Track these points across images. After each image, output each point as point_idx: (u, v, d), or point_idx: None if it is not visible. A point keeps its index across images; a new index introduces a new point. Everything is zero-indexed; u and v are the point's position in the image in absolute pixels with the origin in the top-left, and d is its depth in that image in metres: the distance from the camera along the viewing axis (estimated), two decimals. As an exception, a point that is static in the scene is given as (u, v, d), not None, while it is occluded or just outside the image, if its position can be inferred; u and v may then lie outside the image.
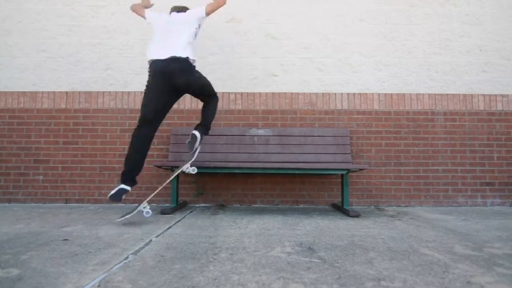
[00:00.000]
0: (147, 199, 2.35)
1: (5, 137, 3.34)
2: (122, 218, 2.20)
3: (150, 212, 2.27)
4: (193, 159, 2.49)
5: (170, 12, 2.64)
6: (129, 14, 3.45)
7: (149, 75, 2.39)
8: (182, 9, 2.65)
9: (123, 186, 2.27)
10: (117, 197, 2.21)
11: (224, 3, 2.59)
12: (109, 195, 2.21)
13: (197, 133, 2.50)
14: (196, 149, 2.51)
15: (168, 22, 2.53)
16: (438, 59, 3.45)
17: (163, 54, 2.36)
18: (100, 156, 3.32)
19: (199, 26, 2.59)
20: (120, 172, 3.25)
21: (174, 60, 2.35)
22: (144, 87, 2.46)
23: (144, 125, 2.34)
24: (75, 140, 3.35)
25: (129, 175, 2.30)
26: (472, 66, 3.44)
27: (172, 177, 2.54)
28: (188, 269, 1.27)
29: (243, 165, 2.70)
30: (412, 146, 3.35)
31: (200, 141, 2.51)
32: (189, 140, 2.52)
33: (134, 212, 2.24)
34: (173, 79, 2.35)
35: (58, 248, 1.57)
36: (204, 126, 2.57)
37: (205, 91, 2.54)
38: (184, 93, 2.51)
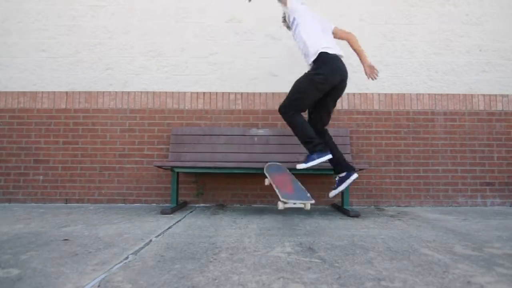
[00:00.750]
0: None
1: (5, 137, 3.34)
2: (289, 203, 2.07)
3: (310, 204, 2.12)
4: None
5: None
6: (129, 14, 3.46)
7: (324, 68, 2.26)
8: None
9: (330, 155, 2.27)
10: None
11: (354, 38, 2.55)
12: (310, 164, 2.23)
13: (354, 175, 2.40)
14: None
15: (319, 19, 2.51)
16: (438, 59, 3.45)
17: (337, 50, 2.35)
18: (100, 156, 3.32)
19: None
20: (121, 171, 3.26)
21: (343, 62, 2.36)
22: (312, 76, 2.29)
23: (299, 112, 2.33)
24: (75, 140, 3.35)
25: (322, 142, 2.31)
26: (472, 66, 3.44)
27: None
28: (188, 269, 1.27)
29: (243, 165, 2.70)
30: (412, 146, 3.35)
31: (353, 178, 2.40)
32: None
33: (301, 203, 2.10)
34: (343, 81, 2.36)
35: (58, 248, 1.57)
36: (347, 163, 2.47)
37: (335, 105, 2.53)
38: (328, 96, 2.39)
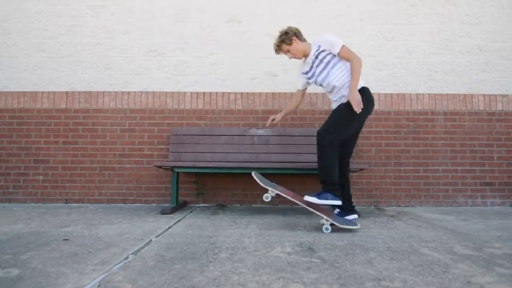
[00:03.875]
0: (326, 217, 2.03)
1: (5, 137, 3.34)
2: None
3: (330, 229, 2.01)
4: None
5: None
6: (129, 14, 3.45)
7: (368, 102, 2.21)
8: None
9: (340, 202, 2.13)
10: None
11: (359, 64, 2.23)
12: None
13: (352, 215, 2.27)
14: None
15: None
16: (438, 59, 3.45)
17: None
18: (100, 156, 3.32)
19: None
20: (121, 171, 3.26)
21: None
22: (361, 110, 2.12)
23: (339, 145, 2.18)
24: (75, 140, 3.35)
25: (337, 187, 2.14)
26: (472, 66, 3.44)
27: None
28: (188, 269, 1.27)
29: (243, 165, 2.70)
30: (412, 146, 3.34)
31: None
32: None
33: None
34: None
35: (58, 248, 1.57)
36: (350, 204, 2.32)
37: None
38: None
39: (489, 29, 3.47)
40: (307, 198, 2.06)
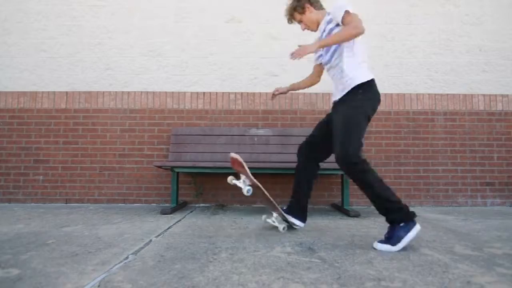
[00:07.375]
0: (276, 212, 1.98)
1: (5, 137, 3.34)
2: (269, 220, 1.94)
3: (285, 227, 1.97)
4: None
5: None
6: (129, 14, 3.45)
7: (372, 99, 1.75)
8: None
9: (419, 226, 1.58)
10: None
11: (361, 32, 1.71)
12: None
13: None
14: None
15: None
16: (438, 59, 3.45)
17: None
18: (100, 156, 3.32)
19: None
20: (121, 171, 3.26)
21: None
22: (361, 111, 1.72)
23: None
24: (75, 140, 3.35)
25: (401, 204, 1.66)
26: (472, 66, 3.44)
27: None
28: (188, 269, 1.27)
29: (243, 165, 2.69)
30: (412, 146, 3.34)
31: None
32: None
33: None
34: None
35: (58, 248, 1.57)
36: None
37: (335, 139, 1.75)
38: None
39: (489, 29, 3.47)
40: (383, 247, 1.54)
